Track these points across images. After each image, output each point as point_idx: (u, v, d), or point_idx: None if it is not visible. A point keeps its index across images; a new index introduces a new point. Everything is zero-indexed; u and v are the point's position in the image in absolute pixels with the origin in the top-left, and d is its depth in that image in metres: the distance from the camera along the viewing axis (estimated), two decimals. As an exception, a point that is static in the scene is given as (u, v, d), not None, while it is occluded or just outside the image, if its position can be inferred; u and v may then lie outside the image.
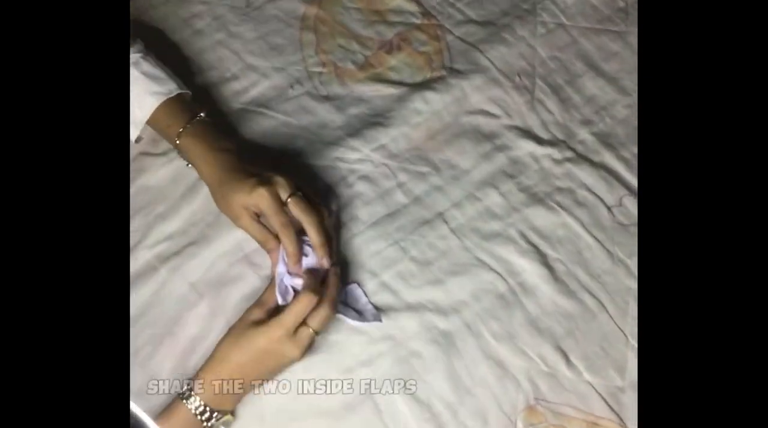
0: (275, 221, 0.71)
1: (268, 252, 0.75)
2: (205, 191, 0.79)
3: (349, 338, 0.76)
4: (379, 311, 0.77)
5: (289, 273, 0.72)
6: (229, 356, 0.67)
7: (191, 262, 0.78)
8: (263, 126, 0.88)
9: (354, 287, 0.78)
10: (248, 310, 0.70)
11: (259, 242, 0.75)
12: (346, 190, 0.85)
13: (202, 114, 0.78)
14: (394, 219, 0.84)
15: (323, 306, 0.69)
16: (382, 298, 0.79)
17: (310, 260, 0.73)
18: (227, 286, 0.78)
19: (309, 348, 0.69)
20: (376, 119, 0.90)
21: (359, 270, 0.80)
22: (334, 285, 0.71)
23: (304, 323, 0.68)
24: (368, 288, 0.79)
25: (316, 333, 0.68)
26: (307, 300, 0.68)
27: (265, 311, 0.69)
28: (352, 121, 0.89)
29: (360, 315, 0.74)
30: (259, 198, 0.71)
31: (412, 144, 0.89)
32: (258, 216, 0.73)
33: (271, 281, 0.73)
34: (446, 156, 0.88)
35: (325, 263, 0.72)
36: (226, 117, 0.88)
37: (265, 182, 0.71)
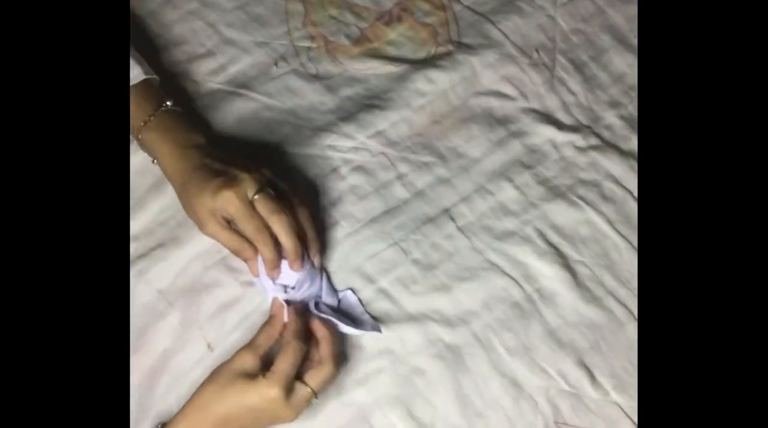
0: (246, 227, 0.70)
1: (245, 261, 0.74)
2: (175, 185, 0.78)
3: (342, 352, 0.75)
4: (378, 321, 0.77)
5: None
6: (211, 406, 0.66)
7: (159, 266, 0.77)
8: (242, 110, 0.87)
9: (348, 294, 0.78)
10: (239, 355, 0.68)
11: (232, 251, 0.74)
12: (339, 182, 0.84)
13: (168, 103, 0.77)
14: (394, 217, 0.83)
15: (325, 363, 0.67)
16: (380, 307, 0.78)
17: (285, 276, 0.72)
18: (202, 294, 0.77)
19: (304, 411, 0.68)
20: (373, 101, 0.89)
21: (353, 275, 0.79)
22: (328, 339, 0.69)
23: (300, 379, 0.67)
24: (364, 296, 0.78)
25: (315, 393, 0.67)
26: (295, 349, 0.67)
27: (259, 357, 0.67)
28: (345, 103, 0.89)
29: (355, 324, 0.74)
30: (225, 202, 0.70)
31: (415, 130, 0.88)
32: (228, 222, 0.72)
33: (267, 320, 0.71)
34: (453, 143, 0.88)
35: (296, 271, 0.72)
36: (199, 101, 0.87)
37: (231, 183, 0.70)
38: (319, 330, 0.69)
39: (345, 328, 0.73)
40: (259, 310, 0.76)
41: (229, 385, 0.65)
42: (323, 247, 0.79)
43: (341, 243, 0.81)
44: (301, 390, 0.66)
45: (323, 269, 0.78)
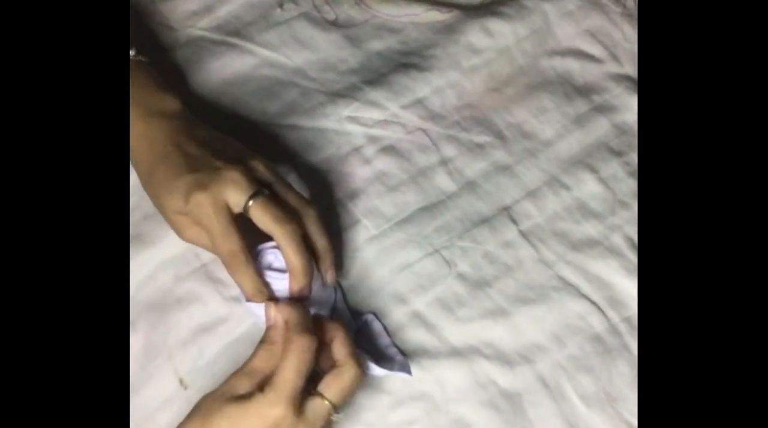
0: (219, 247, 0.70)
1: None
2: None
3: (362, 396, 0.75)
4: (407, 358, 0.76)
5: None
6: None
7: None
8: (233, 66, 0.88)
9: (370, 320, 0.78)
10: (231, 379, 0.67)
11: (218, 255, 0.73)
12: (361, 168, 0.84)
13: (132, 52, 0.78)
14: (435, 216, 0.83)
15: (343, 366, 0.67)
16: (414, 337, 0.78)
17: (279, 285, 0.72)
18: (173, 312, 0.77)
19: None
20: (411, 59, 0.90)
21: (378, 293, 0.79)
22: (342, 337, 0.68)
23: (316, 392, 0.66)
24: (392, 322, 0.78)
25: (335, 407, 0.66)
26: (301, 348, 0.65)
27: (255, 383, 0.66)
28: (372, 61, 0.90)
29: (378, 361, 0.73)
30: (197, 207, 0.70)
31: (465, 99, 0.89)
32: None
33: (264, 336, 0.70)
34: (517, 119, 0.88)
35: (303, 291, 0.71)
36: (175, 54, 0.87)
37: (209, 181, 0.70)
38: (331, 327, 0.69)
39: (365, 365, 0.72)
40: (250, 335, 0.76)
41: (216, 413, 0.64)
42: (339, 259, 0.79)
43: (362, 249, 0.81)
44: (316, 405, 0.65)
45: (336, 286, 0.78)
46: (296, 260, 0.70)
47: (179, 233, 0.73)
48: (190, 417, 0.66)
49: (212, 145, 0.73)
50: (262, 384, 0.65)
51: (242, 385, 0.66)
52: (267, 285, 0.71)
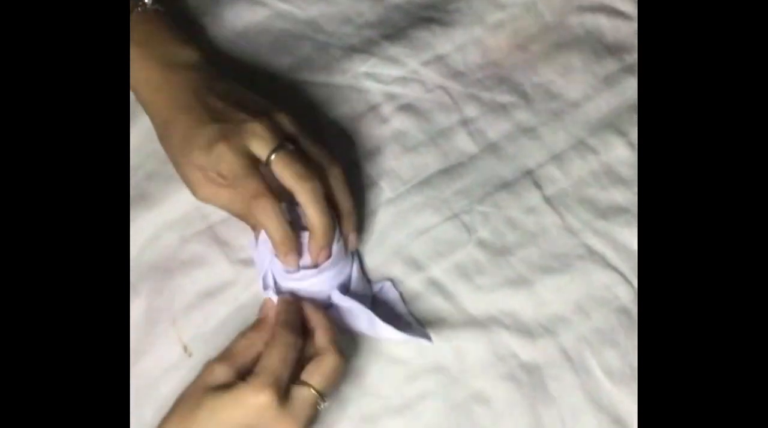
0: (243, 191, 0.70)
1: (253, 229, 0.74)
2: (146, 122, 0.78)
3: (376, 367, 0.75)
4: (423, 327, 0.76)
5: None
6: None
7: None
8: (245, 18, 0.89)
9: (386, 288, 0.78)
10: (209, 368, 0.68)
11: (237, 216, 0.74)
12: (378, 127, 0.85)
13: (147, 0, 0.78)
14: (454, 179, 0.83)
15: (324, 353, 0.67)
16: (431, 306, 0.78)
17: (306, 258, 0.73)
18: (177, 275, 0.78)
19: (313, 421, 0.67)
20: (431, 14, 0.90)
21: (393, 259, 0.79)
22: (325, 326, 0.70)
23: (301, 381, 0.67)
24: (408, 289, 0.78)
25: (321, 395, 0.66)
26: (286, 341, 0.67)
27: (235, 370, 0.67)
28: (391, 14, 0.90)
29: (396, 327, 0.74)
30: (220, 160, 0.70)
31: (489, 56, 0.89)
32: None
33: (253, 324, 0.72)
34: (543, 78, 0.88)
35: (321, 258, 0.72)
36: (187, 2, 0.88)
37: (232, 132, 0.71)
38: (313, 316, 0.70)
39: (383, 329, 0.72)
40: (257, 301, 0.75)
41: (196, 406, 0.65)
42: (360, 223, 0.79)
43: (378, 213, 0.81)
44: (301, 392, 0.66)
45: (354, 252, 0.78)
46: (318, 219, 0.70)
47: (195, 189, 0.74)
48: (171, 412, 0.67)
49: (235, 98, 0.74)
50: (243, 374, 0.67)
51: (222, 374, 0.67)
52: (295, 231, 0.72)
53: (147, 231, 0.78)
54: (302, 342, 0.68)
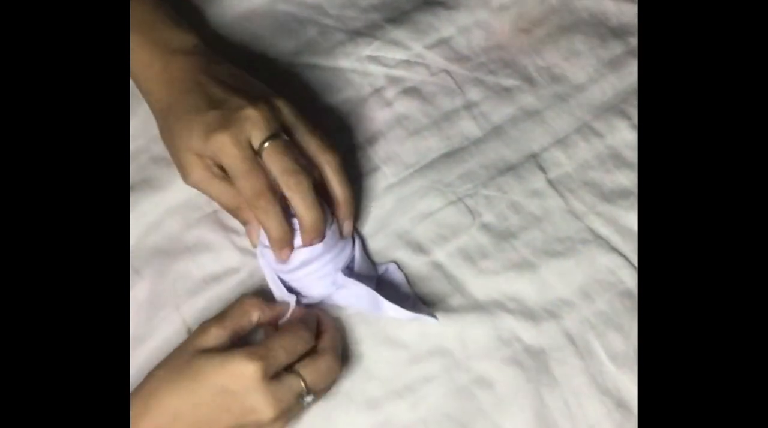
0: (244, 186, 0.70)
1: (244, 225, 0.75)
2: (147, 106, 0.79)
3: (378, 351, 0.75)
4: (429, 307, 0.76)
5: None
6: (162, 401, 0.65)
7: None
8: (250, 2, 0.89)
9: (391, 270, 0.78)
10: (202, 328, 0.68)
11: (227, 209, 0.74)
12: (381, 110, 0.85)
13: None
14: (458, 162, 0.83)
15: (322, 353, 0.69)
16: (434, 289, 0.78)
17: (297, 253, 0.73)
18: (181, 259, 0.78)
19: (294, 413, 0.67)
20: None
21: (397, 242, 0.79)
22: (331, 331, 0.72)
23: (293, 370, 0.67)
24: (411, 272, 0.78)
25: (308, 389, 0.67)
26: (299, 335, 0.68)
27: (228, 334, 0.68)
28: None
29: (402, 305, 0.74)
30: (218, 147, 0.69)
31: (493, 39, 0.89)
32: (223, 169, 0.73)
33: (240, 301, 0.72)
34: (547, 61, 0.88)
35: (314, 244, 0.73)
36: None
37: (229, 121, 0.70)
38: (325, 319, 0.73)
39: (388, 308, 0.73)
40: (263, 287, 0.76)
41: (186, 365, 0.65)
42: (357, 209, 0.79)
43: (381, 197, 0.81)
44: (289, 379, 0.66)
45: (356, 234, 0.78)
46: (305, 213, 0.70)
47: (187, 174, 0.73)
48: (158, 367, 0.67)
49: (234, 83, 0.74)
50: (235, 341, 0.68)
51: (215, 337, 0.67)
52: (292, 231, 0.72)
53: (151, 215, 0.78)
54: (313, 343, 0.69)
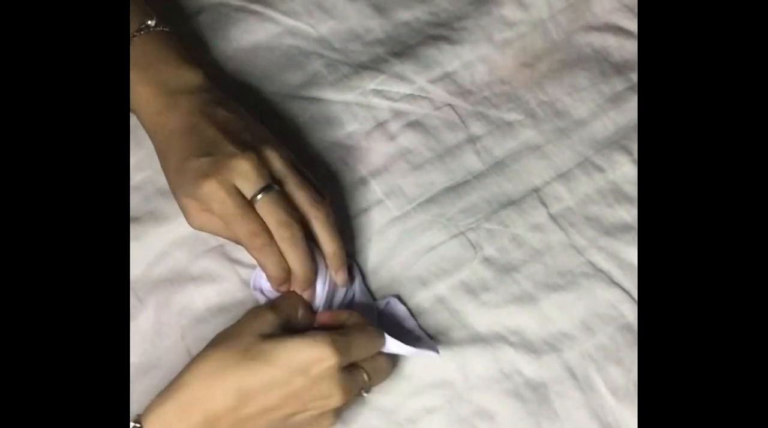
0: (238, 231, 0.71)
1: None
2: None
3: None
4: (433, 339, 0.77)
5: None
6: (227, 381, 0.64)
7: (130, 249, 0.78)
8: (256, 34, 0.89)
9: (393, 303, 0.78)
10: (254, 314, 0.69)
11: (232, 240, 0.74)
12: (385, 144, 0.85)
13: (151, 22, 0.78)
14: (460, 196, 0.83)
15: (380, 355, 0.71)
16: (436, 322, 0.78)
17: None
18: (187, 290, 0.78)
19: (349, 406, 0.70)
20: (440, 31, 0.90)
21: (400, 276, 0.80)
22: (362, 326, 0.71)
23: (358, 365, 0.69)
24: (413, 306, 0.78)
25: (369, 384, 0.69)
26: (371, 335, 0.69)
27: (281, 323, 0.68)
28: (400, 31, 0.90)
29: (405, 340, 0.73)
30: (208, 194, 0.70)
31: (496, 74, 0.89)
32: None
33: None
34: (550, 96, 0.88)
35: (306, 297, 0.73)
36: (192, 23, 0.88)
37: (219, 168, 0.70)
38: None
39: (391, 344, 0.72)
40: None
41: (249, 348, 0.65)
42: (353, 245, 0.80)
43: (384, 231, 0.81)
44: (356, 373, 0.68)
45: (355, 271, 0.79)
46: (296, 266, 0.71)
47: (189, 218, 0.73)
48: (208, 352, 0.66)
49: (230, 127, 0.74)
50: (287, 327, 0.68)
51: (272, 322, 0.68)
52: (289, 269, 0.72)
53: (157, 246, 0.78)
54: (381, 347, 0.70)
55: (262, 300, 0.74)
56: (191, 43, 0.85)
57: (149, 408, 0.65)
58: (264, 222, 0.70)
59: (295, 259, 0.70)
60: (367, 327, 0.70)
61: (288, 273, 0.71)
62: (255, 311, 0.69)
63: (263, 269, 0.71)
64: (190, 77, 0.76)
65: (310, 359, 0.65)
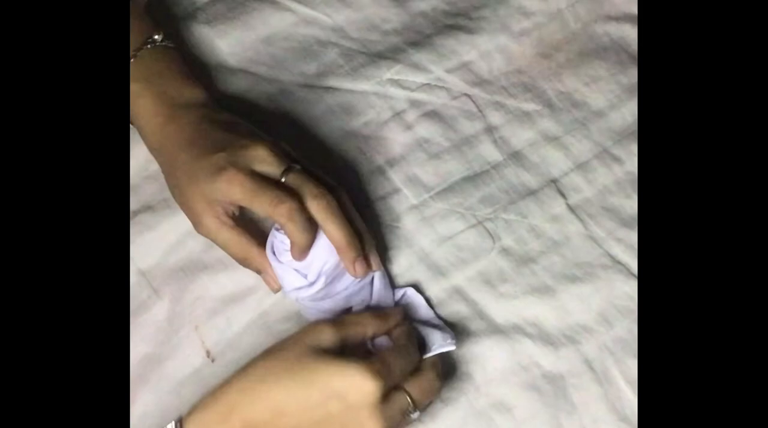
0: (261, 202, 0.70)
1: (258, 273, 0.75)
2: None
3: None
4: (450, 330, 0.76)
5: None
6: (269, 394, 0.64)
7: (144, 238, 0.79)
8: (271, 23, 0.89)
9: (410, 293, 0.77)
10: (315, 327, 0.67)
11: (238, 260, 0.74)
12: (402, 133, 0.85)
13: (157, 37, 0.79)
14: (478, 186, 0.83)
15: (425, 371, 0.69)
16: (453, 313, 0.78)
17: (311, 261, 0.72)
18: (201, 280, 0.78)
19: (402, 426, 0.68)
20: (458, 21, 0.90)
21: (417, 265, 0.79)
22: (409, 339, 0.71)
23: (402, 388, 0.67)
24: (430, 296, 0.78)
25: (416, 405, 0.67)
26: (410, 353, 0.68)
27: (341, 340, 0.67)
28: (417, 21, 0.90)
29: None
30: (227, 182, 0.70)
31: (514, 64, 0.89)
32: (233, 218, 0.73)
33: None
34: (568, 86, 0.88)
35: (359, 271, 0.72)
36: (212, 8, 0.89)
37: (237, 156, 0.71)
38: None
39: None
40: (281, 307, 0.76)
41: (296, 362, 0.64)
42: (379, 229, 0.80)
43: (401, 219, 0.81)
44: (399, 397, 0.66)
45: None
46: (339, 233, 0.70)
47: (197, 222, 0.73)
48: (262, 358, 0.66)
49: (237, 128, 0.75)
50: (344, 347, 0.67)
51: (330, 338, 0.66)
52: (313, 237, 0.72)
53: (172, 236, 0.78)
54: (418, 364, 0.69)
55: (278, 269, 0.73)
56: (206, 34, 0.87)
57: (192, 411, 0.65)
58: (285, 191, 0.70)
59: (336, 228, 0.70)
60: (405, 344, 0.69)
61: (311, 241, 0.70)
62: (315, 323, 0.68)
63: (289, 236, 0.70)
64: (194, 93, 0.77)
65: (350, 385, 0.64)
